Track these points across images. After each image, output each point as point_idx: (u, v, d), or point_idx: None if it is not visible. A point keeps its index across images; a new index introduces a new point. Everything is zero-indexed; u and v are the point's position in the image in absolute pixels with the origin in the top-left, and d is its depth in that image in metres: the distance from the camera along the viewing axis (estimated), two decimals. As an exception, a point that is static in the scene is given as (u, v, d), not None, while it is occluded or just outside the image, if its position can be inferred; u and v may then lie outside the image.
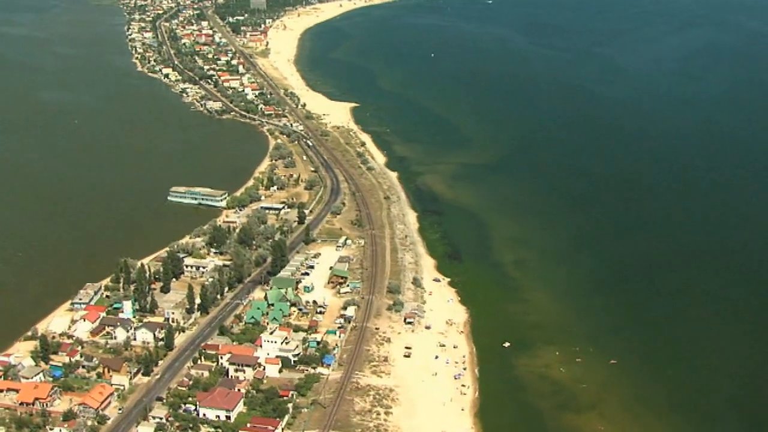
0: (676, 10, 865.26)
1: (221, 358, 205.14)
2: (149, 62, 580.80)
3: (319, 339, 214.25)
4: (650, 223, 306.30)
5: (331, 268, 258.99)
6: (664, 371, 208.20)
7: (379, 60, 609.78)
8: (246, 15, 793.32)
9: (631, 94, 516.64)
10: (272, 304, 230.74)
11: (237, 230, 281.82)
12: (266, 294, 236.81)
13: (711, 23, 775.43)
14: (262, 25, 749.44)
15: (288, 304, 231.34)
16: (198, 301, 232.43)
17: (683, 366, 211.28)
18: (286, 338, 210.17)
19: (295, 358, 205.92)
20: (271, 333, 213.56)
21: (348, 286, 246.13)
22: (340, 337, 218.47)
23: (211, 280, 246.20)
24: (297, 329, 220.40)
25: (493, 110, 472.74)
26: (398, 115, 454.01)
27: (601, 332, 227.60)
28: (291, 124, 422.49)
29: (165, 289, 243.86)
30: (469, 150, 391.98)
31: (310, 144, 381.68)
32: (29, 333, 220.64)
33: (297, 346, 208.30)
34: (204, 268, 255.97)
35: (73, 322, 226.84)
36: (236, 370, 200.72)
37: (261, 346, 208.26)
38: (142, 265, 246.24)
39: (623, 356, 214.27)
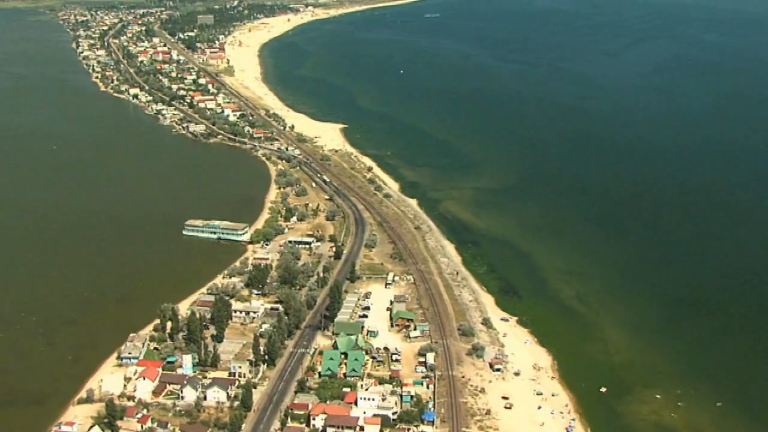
0: (623, 23, 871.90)
1: (313, 419, 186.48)
2: (112, 82, 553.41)
3: (412, 392, 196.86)
4: (690, 245, 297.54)
5: (388, 308, 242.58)
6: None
7: (348, 77, 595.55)
8: (196, 31, 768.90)
9: (612, 108, 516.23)
10: (345, 353, 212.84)
11: (275, 268, 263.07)
12: (335, 342, 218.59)
13: (667, 36, 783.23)
14: (216, 42, 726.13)
15: (362, 352, 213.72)
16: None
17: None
18: (383, 394, 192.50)
19: (394, 416, 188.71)
20: (366, 389, 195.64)
21: (416, 329, 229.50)
22: (428, 388, 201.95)
23: (266, 326, 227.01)
24: (382, 381, 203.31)
25: (482, 128, 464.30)
26: (390, 136, 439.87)
27: (692, 372, 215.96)
28: (286, 148, 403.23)
29: (218, 338, 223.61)
30: (478, 173, 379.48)
31: (327, 180, 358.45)
32: (83, 395, 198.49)
33: (396, 403, 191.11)
34: (255, 313, 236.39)
35: (128, 379, 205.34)
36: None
37: (356, 403, 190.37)
38: (193, 312, 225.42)
39: (724, 397, 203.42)
